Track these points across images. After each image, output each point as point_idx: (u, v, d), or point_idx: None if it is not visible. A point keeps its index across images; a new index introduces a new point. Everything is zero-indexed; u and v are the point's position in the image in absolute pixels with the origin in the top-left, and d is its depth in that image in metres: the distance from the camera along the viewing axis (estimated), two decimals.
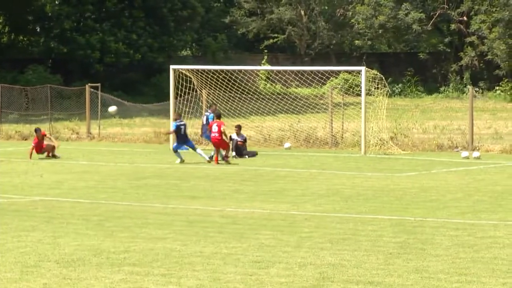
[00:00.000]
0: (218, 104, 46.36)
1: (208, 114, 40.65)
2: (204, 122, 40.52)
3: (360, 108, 42.85)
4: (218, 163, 37.78)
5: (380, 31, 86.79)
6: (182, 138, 38.16)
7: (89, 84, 53.60)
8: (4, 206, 26.35)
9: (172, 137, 40.71)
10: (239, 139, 40.67)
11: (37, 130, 41.08)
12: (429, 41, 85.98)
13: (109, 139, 50.14)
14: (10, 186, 30.82)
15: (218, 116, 39.28)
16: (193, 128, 45.07)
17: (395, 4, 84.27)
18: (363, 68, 44.17)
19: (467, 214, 24.51)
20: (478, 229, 21.98)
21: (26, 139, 49.82)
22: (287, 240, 20.45)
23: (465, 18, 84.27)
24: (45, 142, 40.23)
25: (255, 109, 44.10)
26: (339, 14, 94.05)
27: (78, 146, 45.50)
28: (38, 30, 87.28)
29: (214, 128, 37.91)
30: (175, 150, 38.25)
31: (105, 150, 42.59)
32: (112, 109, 43.97)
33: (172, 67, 46.65)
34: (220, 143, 37.75)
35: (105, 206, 26.19)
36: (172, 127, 39.29)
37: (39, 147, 39.65)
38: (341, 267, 17.45)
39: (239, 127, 41.52)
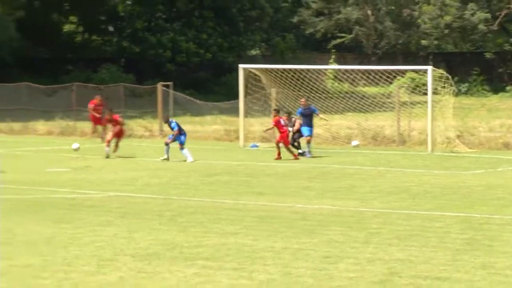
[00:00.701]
0: (286, 103, 46.51)
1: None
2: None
3: (427, 106, 42.61)
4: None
5: (446, 31, 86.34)
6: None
7: (161, 82, 53.94)
8: (80, 201, 26.64)
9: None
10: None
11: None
12: (495, 40, 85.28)
13: None
14: (85, 182, 31.10)
15: (277, 112, 39.63)
16: (262, 126, 45.12)
17: (461, 4, 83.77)
18: (429, 68, 43.97)
19: None
20: None
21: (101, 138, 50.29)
22: (355, 236, 20.46)
23: None
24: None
25: (323, 107, 44.03)
26: (405, 14, 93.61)
27: (150, 144, 45.79)
28: (111, 29, 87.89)
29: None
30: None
31: (177, 147, 42.63)
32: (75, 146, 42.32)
33: (241, 66, 46.85)
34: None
35: (177, 202, 26.34)
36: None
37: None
38: (409, 263, 17.44)
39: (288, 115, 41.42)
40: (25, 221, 22.55)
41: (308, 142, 39.55)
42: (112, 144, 38.97)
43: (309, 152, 39.24)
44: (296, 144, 39.79)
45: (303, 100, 40.94)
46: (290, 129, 39.69)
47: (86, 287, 15.59)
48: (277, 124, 38.56)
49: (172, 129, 38.49)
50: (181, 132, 38.51)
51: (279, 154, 38.06)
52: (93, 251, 18.69)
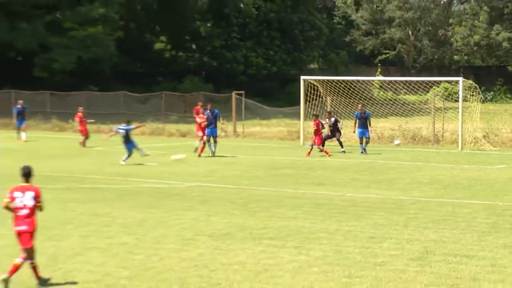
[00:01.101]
0: (340, 108, 46.40)
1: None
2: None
3: (458, 112, 42.29)
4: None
5: (475, 48, 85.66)
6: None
7: (234, 91, 54.09)
8: (167, 190, 26.79)
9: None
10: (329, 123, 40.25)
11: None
12: None
13: (251, 136, 50.52)
14: (171, 174, 31.29)
15: (316, 116, 39.54)
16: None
17: (487, 25, 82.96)
18: (460, 79, 43.59)
19: None
20: None
21: (184, 136, 50.61)
22: (396, 220, 20.35)
23: None
24: None
25: (370, 112, 43.74)
26: (440, 34, 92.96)
27: (226, 142, 45.91)
28: (194, 47, 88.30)
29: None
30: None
31: (248, 146, 42.82)
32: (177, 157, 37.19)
33: (302, 77, 46.89)
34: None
35: (248, 191, 26.37)
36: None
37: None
38: (441, 243, 17.32)
39: (329, 113, 41.36)
40: (122, 206, 22.77)
41: (362, 142, 39.14)
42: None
43: (364, 150, 38.94)
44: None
45: (360, 105, 40.62)
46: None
47: (171, 262, 15.70)
48: (317, 127, 38.47)
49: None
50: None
51: (309, 153, 38.09)
52: (177, 231, 18.83)
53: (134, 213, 21.49)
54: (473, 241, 17.52)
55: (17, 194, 13.80)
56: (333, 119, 40.47)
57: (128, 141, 35.24)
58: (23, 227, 13.76)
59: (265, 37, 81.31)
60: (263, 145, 44.36)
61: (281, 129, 52.28)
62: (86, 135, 44.11)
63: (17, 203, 13.73)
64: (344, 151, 39.30)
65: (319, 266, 15.30)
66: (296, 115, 48.84)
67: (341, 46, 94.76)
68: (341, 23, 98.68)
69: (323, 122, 39.68)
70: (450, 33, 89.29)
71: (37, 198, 13.85)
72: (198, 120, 39.49)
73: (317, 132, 38.47)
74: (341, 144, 39.96)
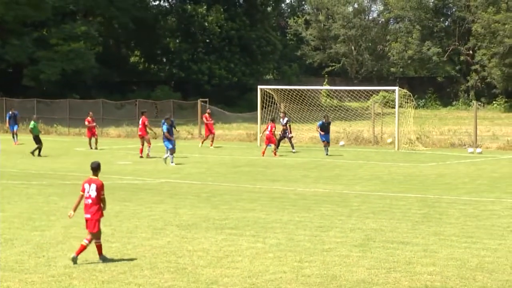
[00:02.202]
0: (292, 113, 46.35)
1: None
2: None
3: (394, 116, 42.48)
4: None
5: (409, 61, 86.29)
6: None
7: (200, 99, 53.84)
8: (140, 186, 26.62)
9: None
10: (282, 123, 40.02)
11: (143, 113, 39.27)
12: (444, 68, 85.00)
13: (215, 138, 50.36)
14: (144, 171, 31.09)
15: (273, 120, 39.15)
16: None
17: (420, 42, 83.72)
18: (396, 88, 43.86)
19: (472, 193, 24.15)
20: (480, 204, 21.70)
21: (155, 138, 50.19)
22: (341, 211, 20.35)
23: (471, 51, 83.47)
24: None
25: (319, 117, 43.70)
26: (379, 49, 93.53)
27: (192, 144, 45.73)
28: (164, 60, 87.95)
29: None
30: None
31: (212, 147, 42.62)
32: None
33: (259, 87, 46.82)
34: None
35: (211, 186, 26.26)
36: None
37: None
38: (380, 231, 17.34)
39: (284, 113, 41.20)
40: None
41: (325, 145, 38.47)
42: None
43: (327, 151, 38.20)
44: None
45: (325, 117, 39.55)
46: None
47: (143, 249, 15.54)
48: (271, 130, 38.12)
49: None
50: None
51: (263, 152, 37.79)
52: (148, 222, 18.72)
53: (111, 205, 21.10)
54: (408, 230, 17.55)
55: (86, 186, 14.15)
56: (286, 119, 40.36)
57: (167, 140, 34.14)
58: (88, 215, 14.11)
59: (227, 52, 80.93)
60: (225, 146, 44.20)
61: (241, 132, 52.14)
62: (95, 137, 42.77)
63: (85, 193, 14.10)
64: (294, 151, 39.19)
65: (273, 252, 15.23)
66: (254, 120, 48.73)
67: (293, 59, 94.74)
68: (293, 40, 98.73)
69: (278, 123, 39.54)
70: (387, 48, 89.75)
71: (99, 190, 14.07)
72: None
73: (270, 134, 38.26)
74: (292, 145, 39.82)
